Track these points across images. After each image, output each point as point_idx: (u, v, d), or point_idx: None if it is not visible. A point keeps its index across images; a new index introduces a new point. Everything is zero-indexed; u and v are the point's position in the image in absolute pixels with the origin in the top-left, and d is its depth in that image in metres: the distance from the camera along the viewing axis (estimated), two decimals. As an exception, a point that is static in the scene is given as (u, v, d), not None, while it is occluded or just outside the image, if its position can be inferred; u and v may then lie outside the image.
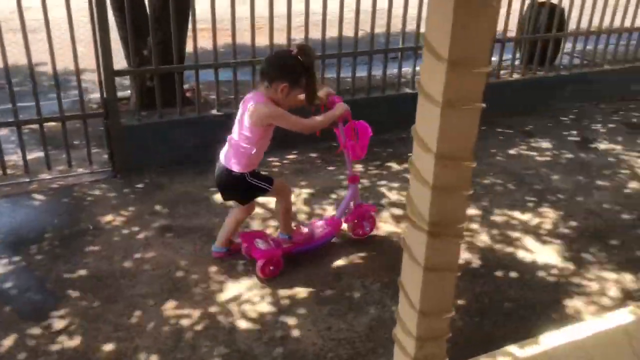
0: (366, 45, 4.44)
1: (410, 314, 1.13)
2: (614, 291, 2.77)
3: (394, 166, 4.00)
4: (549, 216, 3.40)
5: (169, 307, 2.60)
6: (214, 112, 4.08)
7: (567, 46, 5.64)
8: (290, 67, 2.58)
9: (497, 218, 3.36)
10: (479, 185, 3.71)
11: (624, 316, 1.74)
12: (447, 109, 0.96)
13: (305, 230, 2.99)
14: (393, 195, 3.59)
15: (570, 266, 2.94)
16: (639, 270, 2.92)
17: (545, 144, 4.42)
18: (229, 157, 2.70)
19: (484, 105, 0.97)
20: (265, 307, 2.62)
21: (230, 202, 2.98)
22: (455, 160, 1.00)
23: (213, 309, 2.59)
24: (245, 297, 2.68)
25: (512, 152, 4.27)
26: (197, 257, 2.95)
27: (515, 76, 5.08)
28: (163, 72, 3.87)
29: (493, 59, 4.98)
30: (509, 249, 3.08)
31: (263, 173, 2.86)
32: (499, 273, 2.88)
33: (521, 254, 3.03)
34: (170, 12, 3.70)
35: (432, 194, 1.02)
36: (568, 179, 3.86)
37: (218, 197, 3.18)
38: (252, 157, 2.69)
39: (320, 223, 3.06)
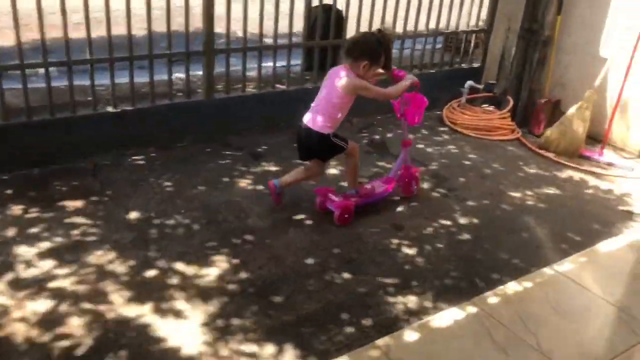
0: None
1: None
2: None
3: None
4: (220, 266, 2.92)
5: None
6: None
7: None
8: (371, 48, 3.18)
9: (151, 273, 2.82)
10: (158, 227, 3.16)
11: None
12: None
13: (368, 186, 3.65)
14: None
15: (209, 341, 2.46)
16: (286, 338, 2.50)
17: (272, 169, 3.97)
18: (316, 121, 3.25)
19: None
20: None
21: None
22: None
23: None
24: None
25: (225, 179, 3.80)
26: None
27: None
28: None
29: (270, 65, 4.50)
30: (142, 319, 2.54)
31: (340, 135, 3.39)
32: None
33: (158, 325, 2.51)
34: None
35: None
36: (270, 214, 3.42)
37: None
38: (337, 121, 3.30)
39: (378, 182, 3.73)
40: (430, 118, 5.27)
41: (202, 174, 3.84)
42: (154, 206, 3.41)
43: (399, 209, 3.64)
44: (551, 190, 4.08)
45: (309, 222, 3.40)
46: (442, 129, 5.09)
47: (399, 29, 5.09)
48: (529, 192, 4.01)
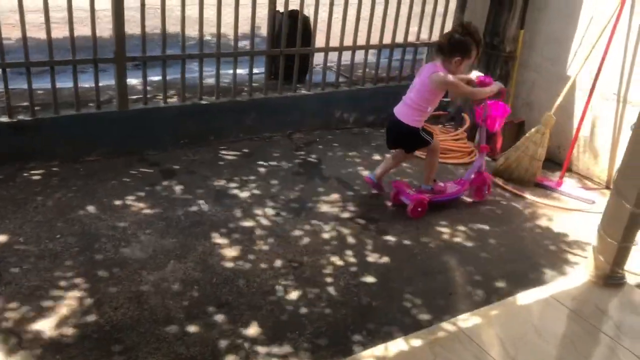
0: None
1: None
2: None
3: None
4: (70, 305, 2.58)
5: None
6: None
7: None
8: (463, 43, 3.36)
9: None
10: (19, 254, 2.86)
11: None
12: None
13: (441, 184, 3.82)
14: None
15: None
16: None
17: (178, 189, 3.63)
18: (407, 114, 3.50)
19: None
20: None
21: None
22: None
23: None
24: None
25: (118, 202, 3.45)
26: None
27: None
28: None
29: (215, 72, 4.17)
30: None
31: (428, 129, 3.74)
32: None
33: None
34: None
35: None
36: (159, 242, 3.08)
37: None
38: (426, 114, 3.53)
39: (451, 183, 3.89)
40: (381, 136, 4.87)
41: (99, 193, 3.51)
42: (28, 230, 3.09)
43: (304, 241, 3.26)
44: (487, 226, 3.65)
45: (194, 254, 3.05)
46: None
47: (361, 40, 4.72)
48: (461, 227, 3.59)
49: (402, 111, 3.54)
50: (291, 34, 4.54)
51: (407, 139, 3.61)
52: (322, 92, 4.78)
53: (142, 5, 3.76)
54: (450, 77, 3.41)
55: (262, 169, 4.06)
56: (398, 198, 3.72)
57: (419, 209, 3.61)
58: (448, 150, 4.59)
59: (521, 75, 4.81)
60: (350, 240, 3.33)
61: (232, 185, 3.79)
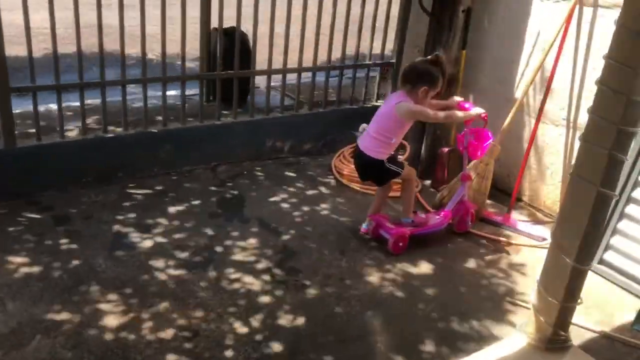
0: None
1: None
2: None
3: None
4: None
5: None
6: None
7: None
8: (430, 73, 3.25)
9: None
10: None
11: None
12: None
13: (423, 215, 3.65)
14: None
15: None
16: None
17: (67, 240, 3.16)
18: (370, 146, 3.33)
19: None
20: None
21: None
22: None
23: None
24: None
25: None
26: None
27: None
28: None
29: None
30: None
31: (398, 159, 3.54)
32: None
33: None
34: None
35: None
36: (29, 311, 2.66)
37: None
38: (391, 146, 3.34)
39: (433, 214, 3.69)
40: (319, 166, 4.46)
41: (-27, 248, 3.02)
42: None
43: (205, 303, 2.79)
44: (422, 269, 3.24)
45: (68, 325, 2.57)
46: (326, 180, 4.26)
47: (292, 61, 4.32)
48: (390, 275, 3.17)
49: (366, 142, 3.37)
50: (228, 53, 4.15)
51: (373, 172, 3.44)
52: (251, 119, 4.35)
53: (27, 28, 3.29)
54: (417, 106, 3.27)
55: (173, 210, 3.60)
56: (378, 233, 3.46)
57: (400, 244, 3.37)
58: (387, 182, 4.19)
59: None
60: (262, 298, 2.88)
61: (133, 232, 3.32)
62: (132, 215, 3.48)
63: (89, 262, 3.00)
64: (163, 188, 3.85)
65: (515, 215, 3.95)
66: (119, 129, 3.85)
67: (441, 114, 3.37)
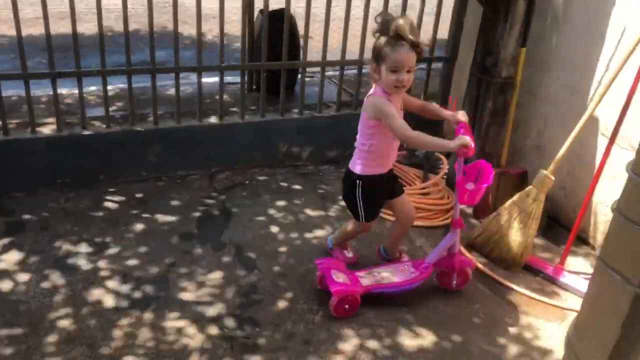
0: None
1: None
2: None
3: None
4: None
5: None
6: None
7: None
8: (374, 46, 2.37)
9: None
10: None
11: None
12: None
13: (405, 258, 2.91)
14: None
15: None
16: None
17: (6, 255, 2.74)
18: (353, 156, 2.61)
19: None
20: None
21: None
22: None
23: None
24: None
25: None
26: None
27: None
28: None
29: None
30: None
31: (376, 196, 2.64)
32: None
33: None
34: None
35: None
36: None
37: None
38: (368, 158, 2.52)
39: (408, 265, 2.74)
40: (340, 179, 3.76)
41: None
42: None
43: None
44: (422, 341, 2.46)
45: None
46: (340, 198, 3.54)
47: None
48: (372, 344, 2.42)
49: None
50: (275, 39, 3.61)
51: (345, 191, 2.70)
52: (260, 119, 3.74)
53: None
54: (382, 100, 2.39)
55: (141, 226, 3.08)
56: (324, 284, 2.61)
57: (346, 306, 2.52)
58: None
59: (529, 108, 3.52)
60: None
61: (83, 250, 2.84)
62: (94, 228, 3.01)
63: (10, 287, 2.56)
64: (142, 196, 3.35)
65: (575, 264, 3.04)
66: (103, 126, 3.39)
67: (411, 132, 2.36)
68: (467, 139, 2.37)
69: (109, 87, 3.52)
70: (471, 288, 2.79)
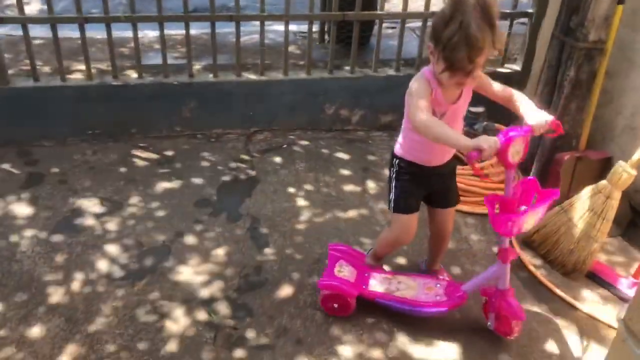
0: None
1: None
2: None
3: None
4: None
5: None
6: None
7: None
8: (435, 21, 1.85)
9: None
10: None
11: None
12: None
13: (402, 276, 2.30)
14: None
15: None
16: None
17: (19, 207, 2.68)
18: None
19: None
20: None
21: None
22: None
23: None
24: None
25: None
26: None
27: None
28: None
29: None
30: None
31: (414, 186, 2.13)
32: None
33: None
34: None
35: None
36: None
37: None
38: (411, 139, 2.07)
39: (440, 285, 2.23)
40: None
41: None
42: None
43: (102, 337, 2.06)
44: (440, 355, 2.09)
45: None
46: (386, 170, 3.14)
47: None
48: (375, 354, 2.08)
49: None
50: None
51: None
52: (306, 77, 3.38)
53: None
54: (414, 84, 1.93)
55: (161, 188, 2.89)
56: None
57: (335, 305, 2.19)
58: (463, 191, 2.93)
59: (624, 79, 2.87)
60: (168, 347, 2.06)
61: (95, 210, 2.71)
62: (110, 187, 2.87)
63: (11, 243, 2.48)
64: (173, 154, 3.16)
65: (652, 280, 2.48)
66: (134, 77, 3.21)
67: (421, 115, 1.85)
68: (491, 141, 1.76)
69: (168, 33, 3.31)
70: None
